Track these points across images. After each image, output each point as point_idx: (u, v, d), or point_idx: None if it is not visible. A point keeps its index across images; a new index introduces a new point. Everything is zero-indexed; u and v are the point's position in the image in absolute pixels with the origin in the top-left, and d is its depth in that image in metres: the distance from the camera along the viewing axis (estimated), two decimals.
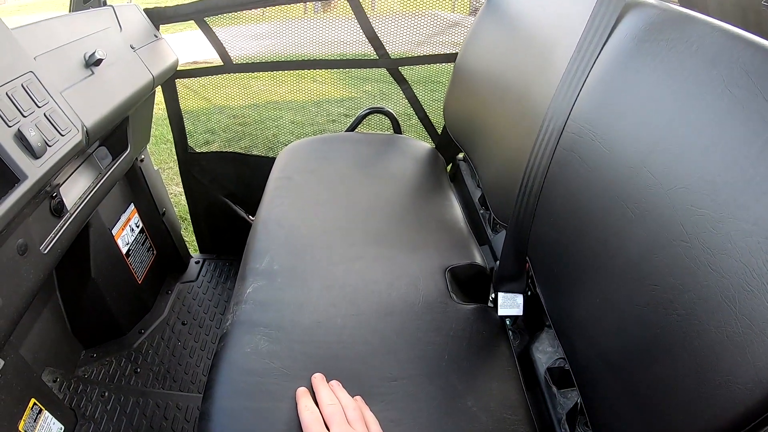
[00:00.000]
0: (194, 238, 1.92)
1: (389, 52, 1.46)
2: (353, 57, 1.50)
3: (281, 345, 0.76)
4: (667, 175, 0.53)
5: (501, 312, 0.87)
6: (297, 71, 1.55)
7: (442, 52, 1.47)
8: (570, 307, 0.69)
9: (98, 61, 0.92)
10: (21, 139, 0.67)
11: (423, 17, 1.43)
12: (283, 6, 1.37)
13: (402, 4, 1.42)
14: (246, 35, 1.48)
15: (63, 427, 1.11)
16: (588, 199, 0.66)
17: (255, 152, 1.79)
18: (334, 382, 0.69)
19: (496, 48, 1.11)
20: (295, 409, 0.65)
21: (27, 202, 0.68)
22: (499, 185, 0.98)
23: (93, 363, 1.38)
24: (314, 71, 1.54)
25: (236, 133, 2.03)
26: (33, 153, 0.68)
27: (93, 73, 0.92)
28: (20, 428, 0.96)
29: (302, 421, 0.63)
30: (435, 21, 1.44)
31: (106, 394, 1.27)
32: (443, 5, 1.42)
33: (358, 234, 1.02)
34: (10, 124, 0.66)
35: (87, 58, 0.90)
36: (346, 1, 1.36)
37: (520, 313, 0.87)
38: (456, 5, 1.58)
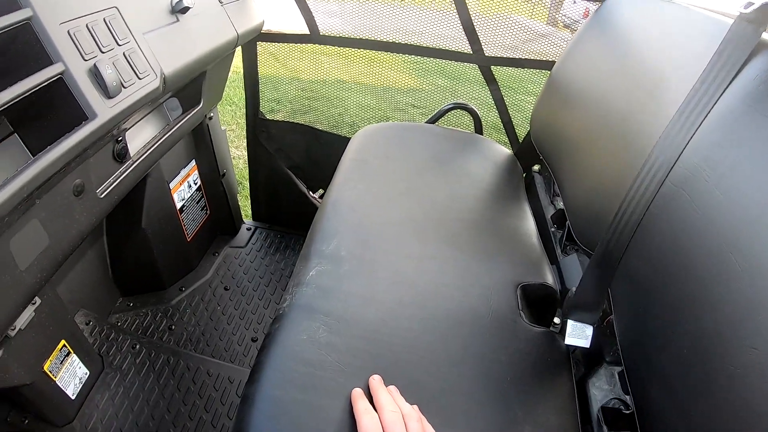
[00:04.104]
0: (249, 203, 1.90)
1: (484, 50, 1.37)
2: (446, 48, 1.41)
3: (341, 337, 0.71)
4: None
5: (568, 341, 0.80)
6: (371, 54, 1.48)
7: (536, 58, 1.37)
8: (651, 353, 0.63)
9: (185, 9, 0.88)
10: (96, 75, 0.63)
11: (504, 20, 1.33)
12: None
13: (479, 4, 1.33)
14: (331, 12, 1.43)
15: (88, 373, 1.10)
16: (692, 241, 0.59)
17: (319, 127, 1.74)
18: (392, 387, 0.64)
19: (600, 65, 1.02)
20: (348, 410, 0.61)
21: (92, 143, 0.64)
22: (588, 209, 0.89)
23: (128, 312, 1.37)
24: (387, 57, 1.47)
25: (302, 105, 1.99)
26: (106, 92, 0.64)
27: (178, 20, 0.88)
28: (45, 368, 0.94)
29: (361, 425, 0.57)
30: (523, 28, 1.34)
31: (137, 346, 1.25)
32: (520, 10, 1.33)
33: (432, 232, 0.96)
34: (87, 57, 0.62)
35: (174, 5, 0.86)
36: None
37: (587, 346, 0.81)
38: (534, 13, 1.49)
